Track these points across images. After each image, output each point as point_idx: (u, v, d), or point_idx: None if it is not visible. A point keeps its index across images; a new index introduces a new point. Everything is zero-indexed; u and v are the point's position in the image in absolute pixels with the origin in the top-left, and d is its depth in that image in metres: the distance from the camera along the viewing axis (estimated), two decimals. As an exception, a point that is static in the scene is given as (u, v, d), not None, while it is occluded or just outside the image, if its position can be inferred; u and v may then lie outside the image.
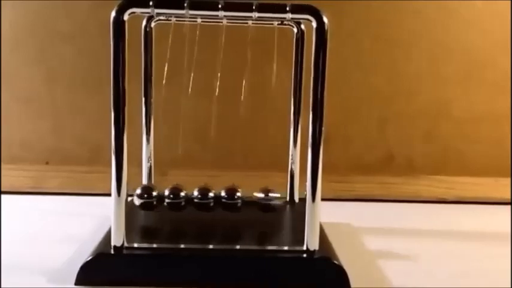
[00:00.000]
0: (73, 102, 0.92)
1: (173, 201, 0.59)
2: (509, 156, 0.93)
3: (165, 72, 0.64)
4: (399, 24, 0.93)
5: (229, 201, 0.59)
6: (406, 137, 0.95)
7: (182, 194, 0.60)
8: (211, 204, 0.60)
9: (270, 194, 0.60)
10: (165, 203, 0.60)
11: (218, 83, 0.66)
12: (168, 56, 0.62)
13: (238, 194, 0.59)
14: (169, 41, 0.61)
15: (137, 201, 0.59)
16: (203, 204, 0.59)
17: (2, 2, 0.89)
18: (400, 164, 0.95)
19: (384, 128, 0.94)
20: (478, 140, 0.95)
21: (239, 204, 0.59)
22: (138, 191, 0.59)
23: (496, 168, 0.94)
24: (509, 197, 0.90)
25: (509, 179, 0.92)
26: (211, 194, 0.60)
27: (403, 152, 0.95)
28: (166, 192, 0.59)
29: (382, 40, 0.93)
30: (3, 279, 0.54)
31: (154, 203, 0.59)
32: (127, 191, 0.54)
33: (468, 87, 0.94)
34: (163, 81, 0.66)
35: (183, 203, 0.60)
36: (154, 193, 0.59)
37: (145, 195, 0.59)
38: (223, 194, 0.59)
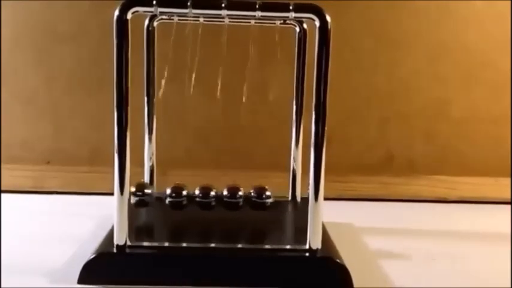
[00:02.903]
0: (73, 102, 0.92)
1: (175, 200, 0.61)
2: (509, 156, 0.93)
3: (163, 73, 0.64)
4: (399, 24, 0.93)
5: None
6: (406, 137, 0.95)
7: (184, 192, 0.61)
8: (213, 203, 0.61)
9: None
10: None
11: (220, 83, 0.66)
12: (169, 56, 0.62)
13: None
14: (171, 41, 0.61)
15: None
16: (205, 203, 0.61)
17: (2, 2, 0.89)
18: (400, 164, 0.95)
19: (384, 128, 0.94)
20: (478, 140, 0.95)
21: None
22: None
23: (496, 168, 0.94)
24: (509, 197, 0.90)
25: (509, 179, 0.92)
26: (212, 193, 0.61)
27: (403, 152, 0.95)
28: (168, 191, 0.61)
29: (382, 40, 0.93)
30: (3, 279, 0.54)
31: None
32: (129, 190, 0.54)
33: (468, 87, 0.94)
34: (163, 81, 0.66)
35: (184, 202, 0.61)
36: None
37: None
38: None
